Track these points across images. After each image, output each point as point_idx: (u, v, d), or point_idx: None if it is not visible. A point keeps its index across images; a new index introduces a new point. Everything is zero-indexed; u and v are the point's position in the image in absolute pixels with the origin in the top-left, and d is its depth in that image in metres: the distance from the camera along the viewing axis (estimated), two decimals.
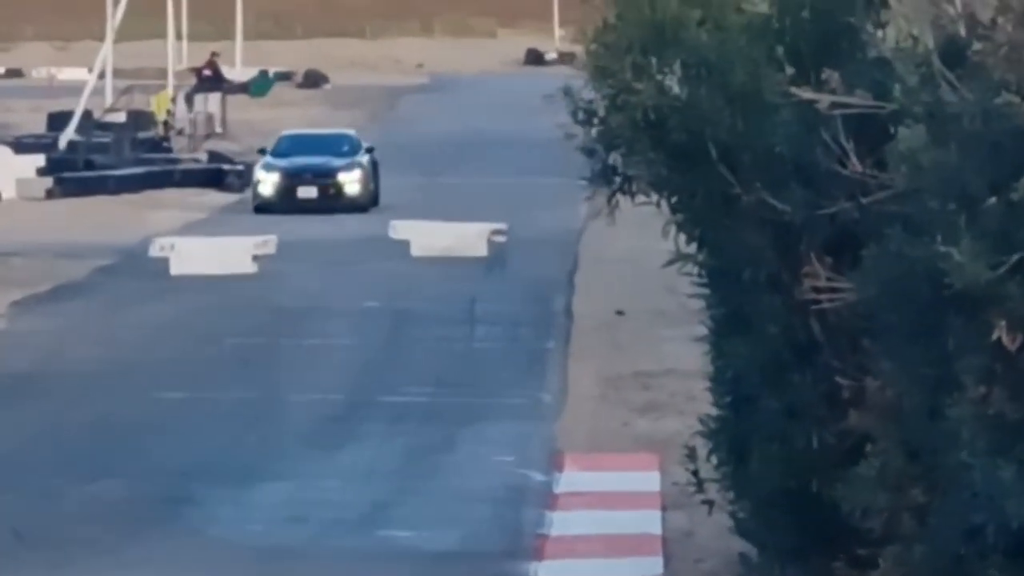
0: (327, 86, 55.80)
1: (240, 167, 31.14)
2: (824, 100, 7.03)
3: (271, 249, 21.73)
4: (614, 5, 7.14)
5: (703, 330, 7.88)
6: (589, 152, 7.38)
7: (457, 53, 67.78)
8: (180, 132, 37.66)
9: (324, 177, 27.08)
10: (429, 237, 22.71)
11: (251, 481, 11.46)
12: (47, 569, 9.57)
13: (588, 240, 22.83)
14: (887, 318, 7.00)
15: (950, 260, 6.66)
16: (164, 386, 14.63)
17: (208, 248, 21.73)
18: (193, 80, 41.11)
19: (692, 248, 7.60)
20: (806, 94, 7.07)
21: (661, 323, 15.71)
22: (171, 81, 41.61)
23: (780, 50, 7.28)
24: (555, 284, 19.97)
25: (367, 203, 27.18)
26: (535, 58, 65.35)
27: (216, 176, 31.68)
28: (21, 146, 33.55)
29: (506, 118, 39.21)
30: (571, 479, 10.90)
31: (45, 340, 16.94)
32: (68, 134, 34.84)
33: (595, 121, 7.26)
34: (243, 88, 48.57)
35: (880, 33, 7.34)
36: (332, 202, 26.66)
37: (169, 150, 35.97)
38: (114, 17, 37.57)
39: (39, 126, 38.24)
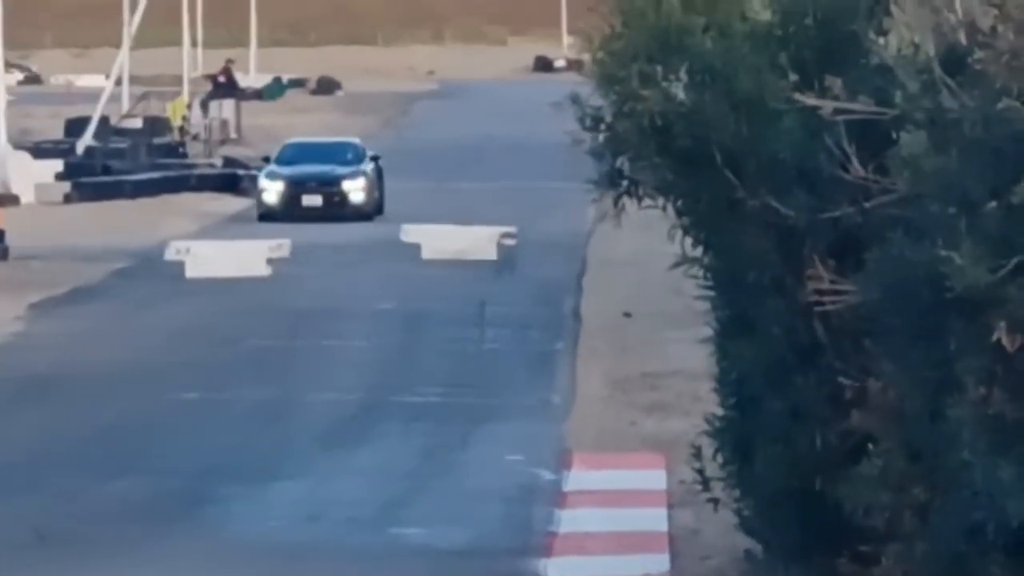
0: (340, 92, 55.95)
1: (254, 172, 31.26)
2: (827, 106, 7.17)
3: (285, 252, 21.87)
4: (620, 13, 7.29)
5: (709, 332, 8.02)
6: (598, 156, 7.53)
7: (468, 60, 67.88)
8: (195, 138, 37.86)
9: (329, 185, 26.90)
10: (440, 240, 22.85)
11: (267, 480, 11.58)
12: (67, 567, 9.69)
13: (596, 243, 22.98)
14: (889, 320, 7.13)
15: (951, 263, 6.79)
16: (181, 387, 14.77)
17: (223, 251, 21.86)
18: (208, 87, 41.31)
19: (698, 251, 7.74)
20: (809, 100, 7.21)
21: (667, 325, 15.82)
22: (186, 88, 41.82)
23: (784, 57, 7.42)
24: (563, 286, 20.14)
25: (372, 211, 26.81)
26: (544, 65, 65.51)
27: (231, 181, 31.85)
28: (40, 151, 33.77)
29: (515, 124, 39.31)
30: (580, 478, 11.02)
31: (63, 342, 17.09)
32: (86, 140, 35.06)
33: (602, 127, 7.41)
34: (257, 95, 48.74)
35: (882, 40, 7.48)
36: (337, 211, 26.44)
37: (185, 155, 36.16)
38: (131, 25, 37.78)
39: (57, 132, 38.43)
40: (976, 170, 6.91)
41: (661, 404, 13.54)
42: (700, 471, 8.00)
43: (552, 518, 10.23)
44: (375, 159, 27.76)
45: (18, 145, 33.53)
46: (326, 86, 56.86)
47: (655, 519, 9.92)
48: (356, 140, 29.48)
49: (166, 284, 20.70)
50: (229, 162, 34.02)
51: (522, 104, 37.98)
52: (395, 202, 27.68)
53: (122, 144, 35.03)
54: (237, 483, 11.51)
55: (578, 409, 13.70)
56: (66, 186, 31.11)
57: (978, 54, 7.00)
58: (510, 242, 22.87)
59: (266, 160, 28.42)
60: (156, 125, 37.51)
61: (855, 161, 7.22)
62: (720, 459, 7.96)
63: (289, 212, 26.31)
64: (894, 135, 7.26)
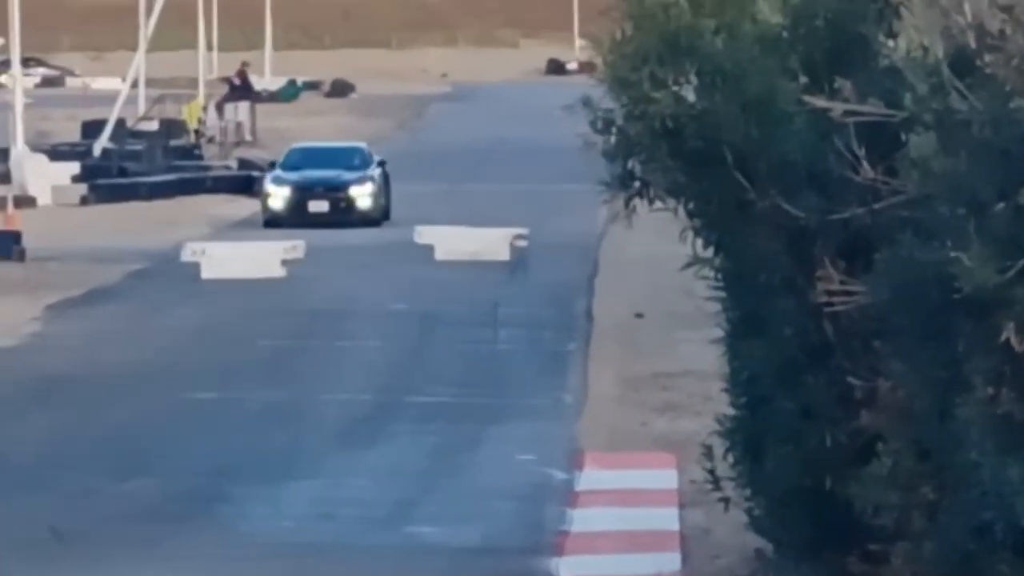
0: (354, 95, 56.05)
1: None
2: (837, 108, 7.22)
3: (300, 254, 21.92)
4: (630, 17, 7.34)
5: (719, 332, 8.06)
6: (610, 158, 7.59)
7: (480, 63, 67.95)
8: (211, 140, 37.98)
9: (335, 191, 26.45)
10: (453, 242, 22.87)
11: (282, 479, 11.65)
12: (84, 565, 9.77)
13: (607, 245, 23.02)
14: (898, 321, 7.18)
15: (960, 264, 6.83)
16: (196, 387, 14.85)
17: (238, 253, 21.95)
18: (224, 89, 41.44)
19: (709, 252, 7.79)
20: (819, 102, 7.26)
21: (678, 325, 15.87)
22: (202, 90, 41.95)
23: (794, 60, 7.48)
24: (575, 287, 20.19)
25: (379, 217, 26.35)
26: (556, 68, 65.55)
27: (246, 183, 31.94)
28: (56, 154, 33.96)
29: (527, 126, 39.35)
30: (591, 477, 11.07)
31: (80, 343, 17.17)
32: (102, 142, 35.23)
33: (613, 130, 7.47)
34: (272, 97, 48.83)
35: (891, 43, 7.53)
36: (343, 216, 26.01)
37: (200, 157, 36.27)
38: (147, 28, 37.94)
39: (74, 134, 38.63)
40: (985, 172, 6.95)
41: (672, 404, 13.59)
42: (711, 471, 8.04)
43: (564, 517, 10.29)
44: (382, 164, 27.25)
45: (35, 147, 33.70)
46: (340, 89, 56.95)
47: (666, 518, 9.97)
48: (363, 145, 29.05)
49: (182, 285, 20.76)
50: (244, 164, 34.12)
51: (534, 107, 38.06)
52: (409, 204, 27.64)
53: (138, 146, 35.16)
54: (251, 482, 11.58)
55: (590, 409, 13.75)
56: (83, 188, 31.26)
57: (987, 57, 7.05)
58: (523, 243, 22.89)
59: (272, 165, 27.92)
60: (172, 127, 37.65)
61: (865, 163, 7.27)
62: (731, 459, 8.00)
63: (295, 218, 25.82)
64: (903, 137, 7.29)
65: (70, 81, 59.00)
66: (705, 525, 9.83)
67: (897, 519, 7.21)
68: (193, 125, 38.51)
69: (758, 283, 7.70)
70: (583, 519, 10.11)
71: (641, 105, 7.34)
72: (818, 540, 7.77)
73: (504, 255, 22.60)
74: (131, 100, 37.98)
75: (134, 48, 40.03)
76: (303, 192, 26.44)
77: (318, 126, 42.39)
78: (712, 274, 7.89)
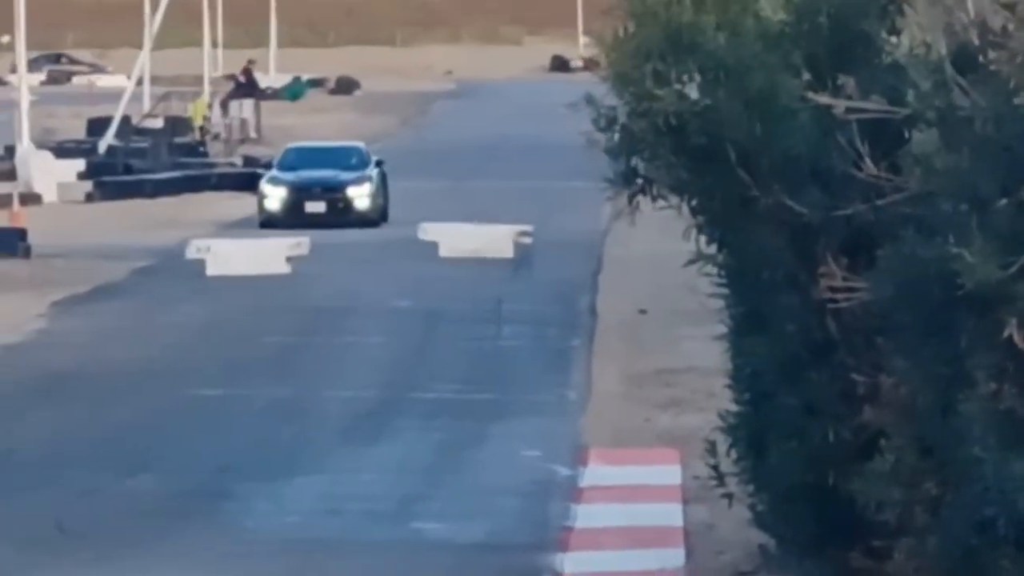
0: (358, 92, 56.06)
1: None
2: (840, 105, 7.24)
3: (304, 251, 21.93)
4: (632, 14, 7.36)
5: (723, 328, 8.08)
6: (613, 155, 7.61)
7: (484, 60, 67.95)
8: (216, 137, 38.01)
9: (333, 191, 25.79)
10: (457, 239, 22.81)
11: (287, 475, 11.68)
12: (89, 561, 9.79)
13: (611, 242, 23.02)
14: (901, 317, 7.20)
15: (962, 260, 6.85)
16: (201, 384, 14.86)
17: (243, 250, 21.95)
18: (228, 87, 41.46)
19: (712, 249, 7.81)
20: (823, 99, 7.29)
21: (682, 322, 15.88)
22: (207, 88, 41.98)
23: (797, 56, 7.50)
24: (579, 284, 20.20)
25: (377, 218, 25.73)
26: (560, 65, 65.49)
27: (250, 180, 31.92)
28: (62, 151, 33.98)
29: (531, 123, 39.35)
30: (595, 473, 11.07)
31: (85, 339, 17.18)
32: (107, 139, 35.28)
33: (616, 127, 7.50)
34: (276, 95, 48.83)
35: (894, 40, 7.56)
36: (341, 217, 25.33)
37: (205, 155, 36.29)
38: (152, 25, 37.97)
39: (79, 132, 38.62)
40: (987, 168, 6.97)
41: (676, 400, 13.61)
42: (714, 466, 8.07)
43: (568, 513, 10.30)
44: (379, 164, 26.54)
45: (41, 145, 33.77)
46: (345, 86, 56.95)
47: (670, 514, 9.97)
48: (360, 144, 27.85)
49: (187, 282, 20.77)
50: (249, 161, 34.16)
51: (538, 104, 38.05)
52: (413, 201, 27.58)
53: (143, 144, 35.21)
54: (256, 479, 11.60)
55: (594, 405, 13.77)
56: (88, 185, 31.27)
57: (990, 54, 7.07)
58: (527, 240, 22.87)
59: (267, 166, 27.39)
60: (177, 125, 37.69)
61: (868, 159, 7.29)
62: (734, 455, 8.02)
63: (292, 219, 25.11)
64: (906, 134, 7.33)
65: (75, 78, 58.99)
66: (709, 521, 9.85)
67: (900, 515, 7.23)
68: (198, 122, 38.54)
69: (761, 279, 7.73)
70: (587, 515, 10.12)
71: (644, 102, 7.37)
72: (821, 536, 7.80)
73: (508, 252, 22.57)
74: (136, 97, 38.02)
75: (139, 45, 40.08)
76: (300, 193, 25.87)
77: (323, 123, 42.41)
78: (715, 271, 7.91)
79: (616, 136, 7.51)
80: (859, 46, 7.54)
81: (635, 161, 7.59)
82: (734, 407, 8.05)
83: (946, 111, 7.06)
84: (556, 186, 29.22)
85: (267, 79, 49.53)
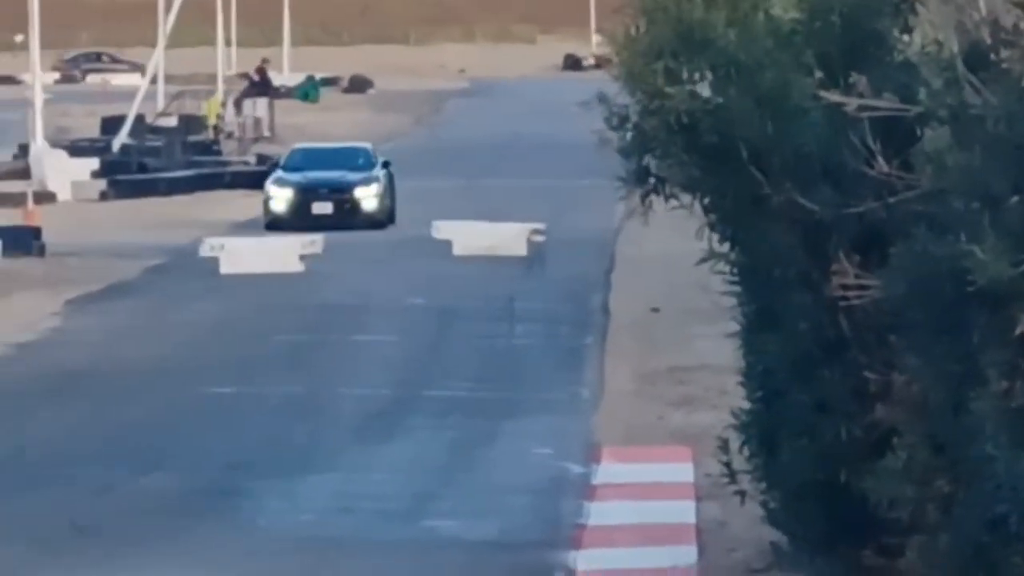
0: (372, 91, 56.10)
1: None
2: (852, 103, 7.25)
3: (318, 249, 21.96)
4: (643, 12, 7.38)
5: (735, 327, 8.10)
6: (625, 154, 7.62)
7: (498, 58, 67.98)
8: (230, 136, 38.08)
9: (340, 192, 25.41)
10: (470, 237, 22.82)
11: (300, 473, 11.70)
12: (103, 559, 9.82)
13: (624, 240, 23.03)
14: (913, 315, 7.20)
15: (974, 258, 6.86)
16: (214, 382, 14.90)
17: (256, 248, 22.01)
18: (242, 85, 41.52)
19: (724, 247, 7.83)
20: (834, 97, 7.29)
21: (694, 320, 15.89)
22: (220, 86, 42.07)
23: (809, 54, 7.51)
24: (592, 282, 20.22)
25: (384, 219, 25.38)
26: (573, 63, 65.49)
27: (264, 178, 31.93)
28: (76, 149, 34.04)
29: (544, 122, 39.35)
30: (608, 471, 11.09)
31: (99, 337, 17.24)
32: (121, 138, 35.37)
33: (628, 126, 7.51)
34: (289, 94, 48.90)
35: (907, 38, 7.56)
36: (348, 218, 24.95)
37: (219, 153, 36.36)
38: (166, 24, 38.05)
39: (93, 130, 38.72)
40: (999, 166, 6.97)
41: (688, 398, 13.62)
42: (727, 464, 8.09)
43: (581, 511, 10.32)
44: (386, 164, 26.17)
45: (55, 143, 33.88)
46: (358, 84, 57.01)
47: (683, 512, 9.99)
48: (367, 145, 27.36)
49: (200, 280, 20.81)
50: (262, 160, 34.24)
51: (551, 102, 38.05)
52: (426, 199, 27.46)
53: (157, 142, 35.30)
54: (269, 477, 11.63)
55: (606, 403, 13.79)
56: (102, 183, 31.37)
57: (1002, 52, 7.07)
58: (540, 239, 22.89)
59: (274, 167, 27.12)
60: (191, 123, 37.77)
61: (880, 157, 7.29)
62: (746, 452, 8.04)
63: (298, 220, 24.63)
64: (918, 132, 7.34)
65: (89, 77, 59.08)
66: (721, 518, 9.86)
67: (912, 512, 7.24)
68: (212, 121, 38.61)
69: (773, 278, 7.74)
70: (600, 513, 10.14)
71: (656, 100, 7.38)
72: (833, 533, 7.81)
73: (521, 250, 22.60)
74: (150, 96, 38.10)
75: (153, 44, 40.17)
76: (306, 194, 25.50)
77: (336, 122, 42.47)
78: (727, 269, 7.93)
79: (628, 135, 7.51)
80: (871, 44, 7.55)
81: (647, 160, 7.60)
82: (746, 405, 8.07)
83: (958, 109, 7.07)
84: (569, 184, 29.24)
85: (281, 78, 49.60)
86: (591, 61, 60.61)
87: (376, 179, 26.15)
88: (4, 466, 12.15)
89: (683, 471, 10.92)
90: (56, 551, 10.03)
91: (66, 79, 58.09)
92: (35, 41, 32.44)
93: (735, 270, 7.94)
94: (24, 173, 31.86)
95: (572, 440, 12.50)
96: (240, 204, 29.09)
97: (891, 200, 7.36)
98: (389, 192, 26.33)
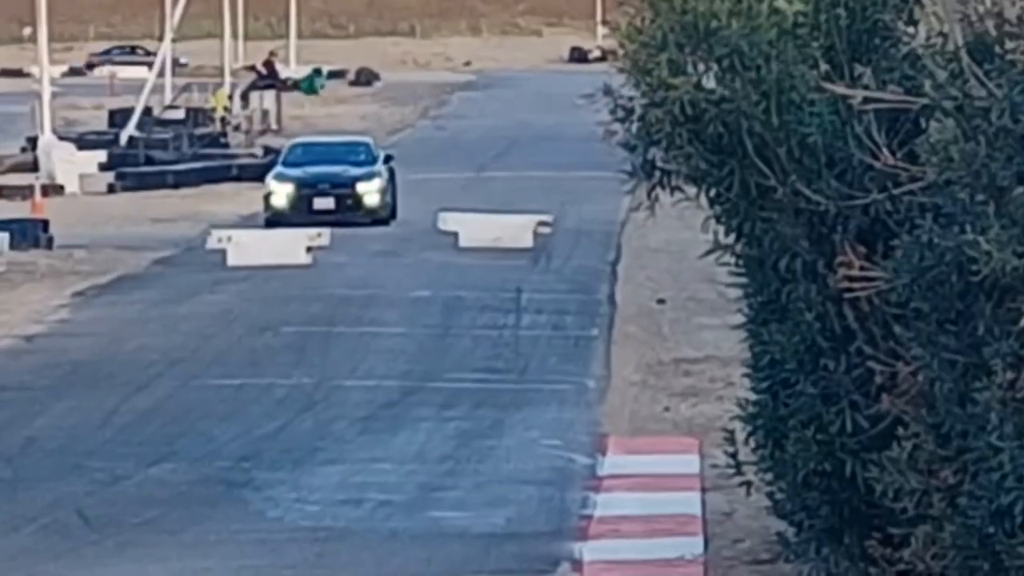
0: (378, 83, 56.11)
1: None
2: (857, 95, 7.27)
3: (324, 241, 21.97)
4: (648, 3, 7.39)
5: (741, 318, 8.10)
6: (630, 148, 7.64)
7: (504, 51, 68.02)
8: (237, 128, 38.10)
9: (342, 187, 24.91)
10: (477, 229, 22.83)
11: (307, 464, 11.75)
12: (112, 550, 9.87)
13: (630, 232, 23.07)
14: (918, 306, 7.24)
15: (978, 248, 6.89)
16: (222, 373, 14.96)
17: (264, 240, 22.09)
18: (249, 78, 41.51)
19: (730, 239, 7.84)
20: (840, 89, 7.31)
21: (700, 311, 15.97)
22: (227, 79, 42.09)
23: (814, 47, 7.52)
24: (598, 274, 20.27)
25: (386, 215, 24.94)
26: (579, 56, 65.45)
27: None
28: (84, 142, 34.18)
29: (550, 114, 39.39)
30: (614, 462, 11.13)
31: (106, 329, 17.28)
32: (129, 130, 35.44)
33: (633, 118, 7.52)
34: (297, 86, 48.94)
35: (911, 30, 7.57)
36: (350, 214, 24.51)
37: (226, 146, 36.41)
38: (173, 17, 38.08)
39: (101, 123, 38.84)
40: (1004, 157, 7.00)
41: (695, 389, 13.64)
42: (733, 455, 8.10)
43: (587, 502, 10.36)
44: (388, 159, 25.80)
45: (63, 136, 33.94)
46: (365, 77, 57.03)
47: (689, 503, 10.02)
48: (368, 139, 27.04)
49: (208, 272, 20.86)
50: (270, 152, 34.28)
51: (557, 95, 38.10)
52: (433, 191, 27.46)
53: (165, 135, 35.36)
54: (277, 468, 11.67)
55: (613, 394, 13.82)
56: (110, 176, 31.45)
57: (1007, 44, 7.09)
58: (546, 230, 22.92)
59: (274, 162, 26.88)
60: (198, 116, 37.80)
61: (885, 149, 7.31)
62: (752, 443, 8.05)
63: (299, 216, 24.16)
64: (923, 123, 7.35)
65: (97, 70, 59.09)
66: (727, 509, 9.90)
67: (917, 502, 7.26)
68: (220, 114, 38.63)
69: (779, 269, 7.75)
70: (606, 503, 10.18)
71: (660, 91, 7.39)
72: (839, 523, 7.84)
73: (528, 242, 22.57)
74: (157, 89, 38.13)
75: (160, 37, 40.17)
76: (307, 189, 25.03)
77: (343, 114, 42.51)
78: (733, 260, 7.94)
79: (634, 127, 7.53)
80: (876, 36, 7.56)
81: (653, 153, 7.61)
82: (752, 396, 8.08)
83: (963, 101, 7.09)
84: (575, 176, 29.25)
85: (287, 71, 49.60)
86: (597, 53, 60.53)
87: (378, 174, 25.81)
88: (13, 457, 12.19)
89: (689, 462, 10.95)
90: (65, 541, 10.06)
91: (73, 72, 58.08)
92: (43, 34, 32.49)
93: (741, 262, 7.95)
94: (32, 166, 31.91)
95: (578, 431, 12.53)
96: (247, 196, 29.12)
97: (896, 192, 7.38)
98: (391, 187, 25.97)
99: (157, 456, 12.06)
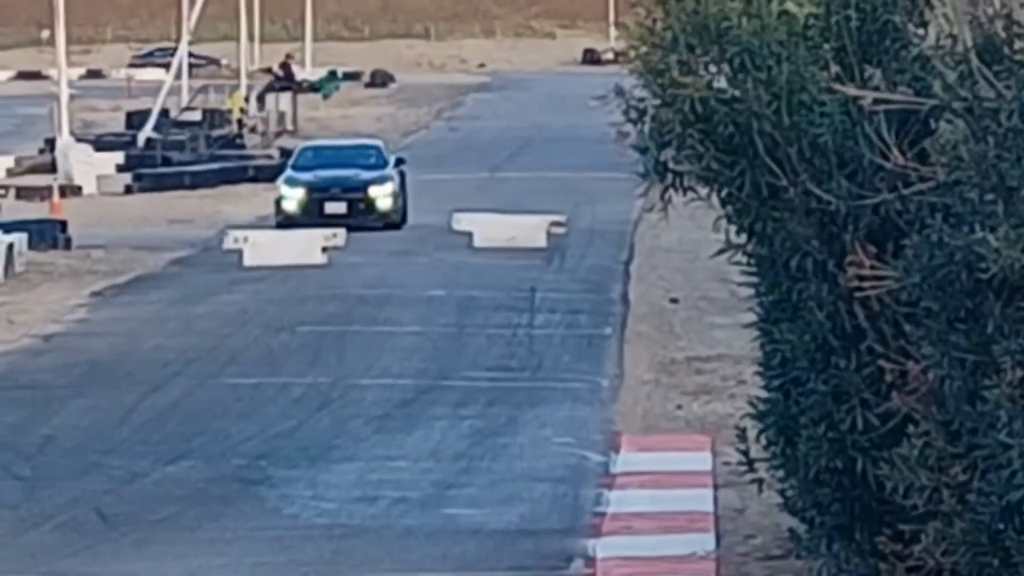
0: (393, 85, 56.25)
1: None
2: (868, 96, 7.34)
3: (340, 241, 22.05)
4: (659, 4, 7.46)
5: (752, 317, 8.16)
6: (642, 150, 7.71)
7: (518, 53, 68.10)
8: (253, 130, 38.24)
9: (354, 191, 24.49)
10: (491, 229, 22.90)
11: (323, 462, 11.82)
12: (129, 547, 9.95)
13: (643, 231, 23.14)
14: (928, 304, 7.29)
15: (988, 247, 6.95)
16: (239, 372, 15.05)
17: (280, 240, 22.15)
18: (265, 80, 41.65)
19: (741, 238, 7.91)
20: (850, 91, 7.38)
21: (713, 310, 16.02)
22: (243, 81, 42.25)
23: (825, 48, 7.59)
24: (611, 273, 20.33)
25: (398, 219, 24.52)
26: (592, 57, 65.48)
27: None
28: (101, 144, 34.33)
29: (564, 115, 39.45)
30: (627, 460, 11.17)
31: (124, 328, 17.38)
32: (146, 132, 35.60)
33: (645, 119, 7.59)
34: (313, 88, 49.08)
35: (921, 32, 7.63)
36: (362, 218, 24.11)
37: (243, 147, 36.53)
38: (190, 20, 38.24)
39: (118, 125, 39.00)
40: (1013, 157, 7.05)
41: (707, 387, 13.69)
42: (745, 452, 8.16)
43: (601, 499, 10.42)
44: (400, 162, 25.35)
45: (81, 138, 34.11)
46: (380, 79, 57.15)
47: (701, 500, 10.08)
48: (379, 142, 26.60)
49: (225, 272, 20.96)
50: (286, 154, 34.41)
51: (571, 96, 38.13)
52: (447, 192, 27.54)
53: (181, 136, 35.50)
54: (293, 466, 11.74)
55: (626, 392, 13.87)
56: (127, 177, 31.60)
57: (1016, 45, 7.14)
58: (560, 230, 22.99)
59: (283, 165, 26.58)
60: (215, 117, 37.95)
61: (895, 149, 7.37)
62: (764, 441, 8.11)
63: (310, 220, 23.61)
64: (933, 124, 7.42)
65: (114, 72, 59.27)
66: (739, 506, 9.96)
67: (927, 499, 7.31)
68: (236, 115, 38.77)
69: (790, 268, 7.81)
70: (619, 501, 10.22)
71: (671, 91, 7.46)
72: (850, 520, 7.89)
73: (541, 242, 22.65)
74: (174, 91, 38.29)
75: (177, 40, 40.32)
76: (319, 193, 24.60)
77: (358, 116, 42.62)
78: (745, 260, 8.01)
79: (646, 128, 7.60)
80: (886, 38, 7.62)
81: (664, 155, 7.68)
82: (764, 394, 8.14)
83: (972, 102, 7.15)
84: (588, 177, 29.32)
85: (303, 73, 49.75)
86: (610, 55, 60.53)
87: (390, 178, 25.47)
88: (32, 455, 12.30)
89: (702, 460, 11.00)
90: (83, 538, 10.15)
91: (91, 74, 58.29)
92: (60, 37, 32.65)
93: (752, 261, 8.02)
94: (50, 167, 32.09)
95: (592, 429, 12.58)
96: (264, 197, 29.21)
97: (906, 191, 7.44)
98: (402, 191, 25.65)
99: (174, 454, 12.14)
